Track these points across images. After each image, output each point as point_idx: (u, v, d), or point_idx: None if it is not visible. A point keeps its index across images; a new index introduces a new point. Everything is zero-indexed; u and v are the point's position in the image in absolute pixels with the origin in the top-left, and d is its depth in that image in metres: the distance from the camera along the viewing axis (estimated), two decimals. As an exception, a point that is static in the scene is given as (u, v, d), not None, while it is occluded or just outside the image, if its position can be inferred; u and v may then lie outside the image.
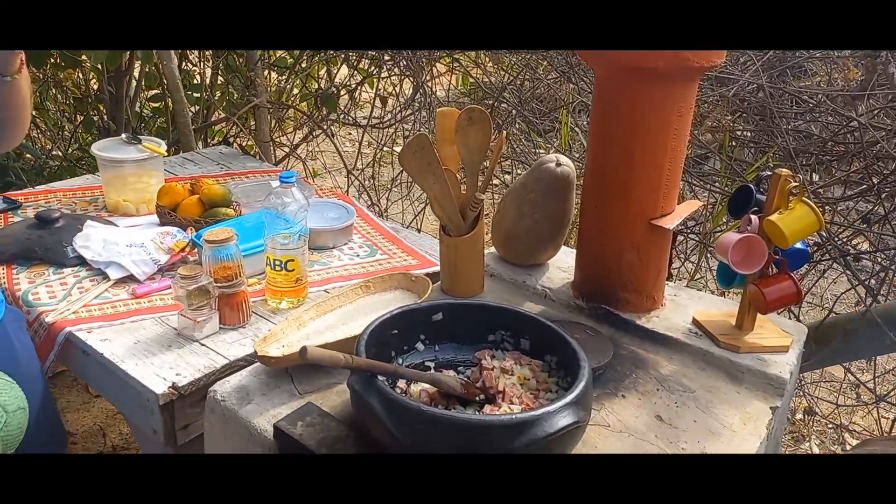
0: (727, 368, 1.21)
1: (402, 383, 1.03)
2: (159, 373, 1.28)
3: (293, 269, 1.48)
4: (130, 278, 1.58)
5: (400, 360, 1.11)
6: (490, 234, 1.53)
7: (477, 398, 1.03)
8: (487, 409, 1.00)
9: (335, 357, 0.84)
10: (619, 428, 1.06)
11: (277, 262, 1.46)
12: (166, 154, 1.94)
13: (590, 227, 1.32)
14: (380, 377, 0.92)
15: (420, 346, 1.13)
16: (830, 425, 2.34)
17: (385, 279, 1.34)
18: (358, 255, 1.78)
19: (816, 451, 2.26)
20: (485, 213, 1.40)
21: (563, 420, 0.87)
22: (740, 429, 1.08)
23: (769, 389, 1.17)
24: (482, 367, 1.09)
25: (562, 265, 1.50)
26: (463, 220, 1.35)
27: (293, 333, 1.18)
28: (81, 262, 1.62)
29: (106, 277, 1.57)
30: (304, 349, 0.81)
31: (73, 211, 1.89)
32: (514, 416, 0.84)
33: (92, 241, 1.63)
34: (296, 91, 2.87)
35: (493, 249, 1.54)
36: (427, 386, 1.01)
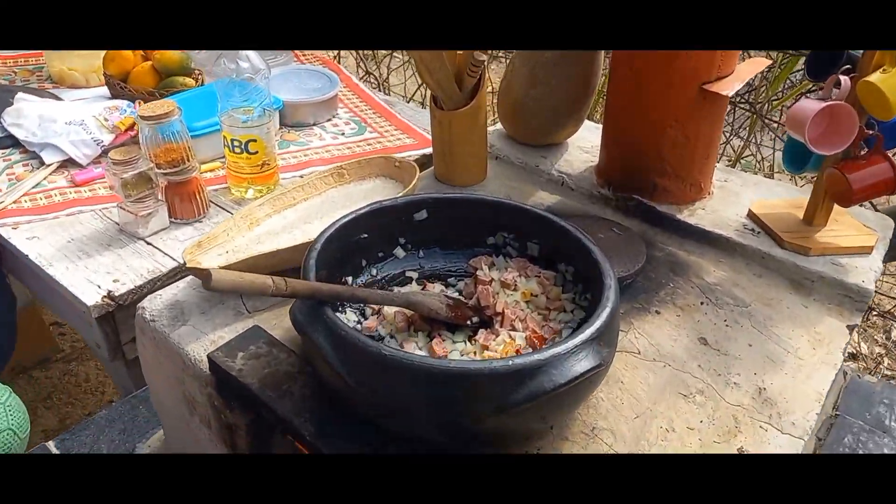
0: (792, 275, 0.95)
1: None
2: (94, 279, 1.07)
3: (256, 152, 1.22)
4: (71, 162, 1.33)
5: (374, 271, 0.87)
6: (495, 107, 1.24)
7: (468, 322, 0.80)
8: (482, 335, 0.77)
9: (259, 283, 0.60)
10: (651, 355, 0.83)
11: (237, 143, 1.20)
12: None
13: (621, 95, 1.03)
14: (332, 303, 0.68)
15: (400, 251, 0.89)
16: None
17: (363, 164, 1.08)
18: (343, 134, 1.51)
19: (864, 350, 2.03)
20: (488, 79, 1.10)
21: (580, 364, 0.63)
22: (808, 355, 0.84)
23: (846, 303, 0.92)
24: (477, 279, 0.85)
25: (584, 145, 1.22)
26: (459, 89, 1.06)
27: (240, 236, 0.94)
28: (14, 143, 1.37)
29: (42, 162, 1.33)
30: (208, 274, 0.56)
31: (12, 81, 1.61)
32: (509, 363, 0.61)
33: (25, 117, 1.37)
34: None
35: (499, 126, 1.25)
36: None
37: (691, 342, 0.85)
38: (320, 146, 1.45)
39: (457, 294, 0.86)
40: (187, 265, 0.83)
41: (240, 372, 0.77)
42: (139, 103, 1.41)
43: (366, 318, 0.82)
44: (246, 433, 0.81)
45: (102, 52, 1.57)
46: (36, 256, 1.10)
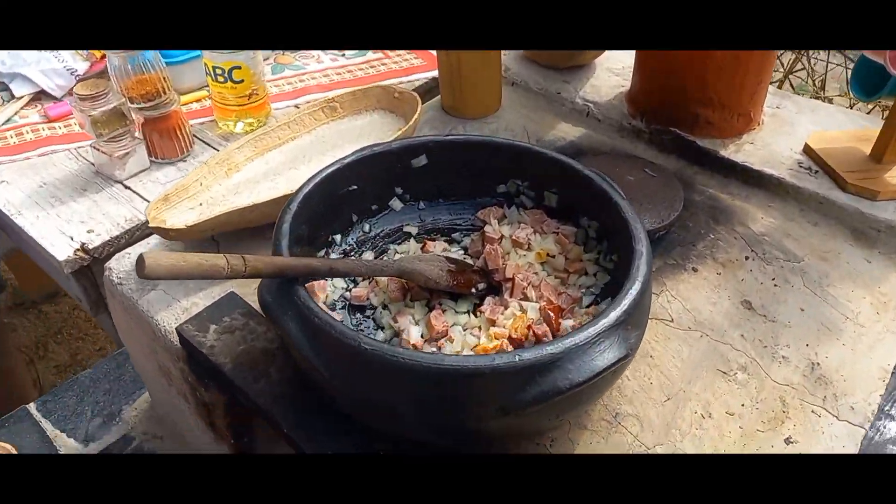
0: (855, 223, 0.82)
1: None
2: (67, 229, 0.97)
3: (242, 80, 1.08)
4: (44, 94, 1.21)
5: (367, 227, 0.75)
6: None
7: (473, 289, 0.68)
8: (488, 305, 0.67)
9: (208, 266, 0.49)
10: (686, 323, 0.72)
11: (219, 71, 1.07)
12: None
13: (660, 9, 0.86)
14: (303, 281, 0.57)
15: (396, 203, 0.77)
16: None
17: (357, 96, 0.94)
18: (343, 55, 1.35)
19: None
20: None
21: (602, 357, 0.52)
22: (871, 321, 0.72)
23: (919, 259, 0.79)
24: (485, 235, 0.74)
25: (614, 66, 1.06)
26: (467, 3, 0.90)
27: (216, 184, 0.82)
28: (-17, 75, 1.25)
29: (12, 95, 1.21)
30: (140, 260, 0.46)
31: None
32: (516, 359, 0.50)
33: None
34: None
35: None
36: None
37: (733, 306, 0.74)
38: (317, 69, 1.31)
39: (461, 253, 0.75)
40: (150, 225, 0.72)
41: (211, 349, 0.67)
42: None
43: (356, 285, 0.71)
44: (224, 414, 0.73)
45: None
46: (4, 204, 1.01)
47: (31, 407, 0.98)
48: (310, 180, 0.67)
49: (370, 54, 1.36)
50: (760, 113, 0.93)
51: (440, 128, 0.98)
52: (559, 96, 1.01)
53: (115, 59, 1.00)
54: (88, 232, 0.97)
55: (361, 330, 0.68)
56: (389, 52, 1.36)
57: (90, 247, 0.95)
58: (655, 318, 0.72)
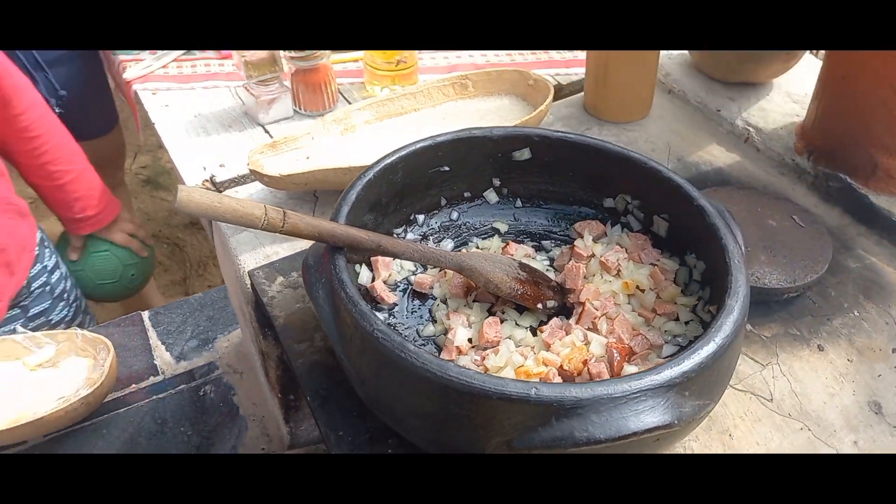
0: None
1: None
2: (203, 159, 1.03)
3: (393, 46, 1.07)
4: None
5: (454, 214, 0.71)
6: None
7: (540, 305, 0.62)
8: (550, 327, 0.60)
9: (243, 211, 0.48)
10: (788, 408, 0.59)
11: (373, 34, 1.07)
12: None
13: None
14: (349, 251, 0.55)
15: (492, 195, 0.72)
16: None
17: (492, 77, 0.90)
18: (509, 37, 1.30)
19: None
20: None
21: (637, 419, 0.44)
22: None
23: None
24: (574, 250, 0.66)
25: (795, 91, 0.91)
26: None
27: (328, 139, 0.82)
28: (185, 7, 1.37)
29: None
30: (178, 191, 0.45)
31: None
32: (530, 391, 0.43)
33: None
34: None
35: (683, 51, 0.98)
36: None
37: (857, 404, 0.60)
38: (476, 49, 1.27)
39: (546, 264, 0.68)
40: (249, 167, 0.73)
41: (271, 300, 0.67)
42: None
43: (425, 270, 0.67)
44: (276, 366, 0.73)
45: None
46: (160, 125, 1.09)
47: (145, 315, 1.07)
48: (395, 152, 0.64)
49: (537, 41, 1.30)
50: (967, 176, 0.75)
51: (574, 126, 0.91)
52: (718, 114, 0.89)
53: (279, 7, 1.03)
54: (220, 165, 1.02)
55: (420, 317, 0.64)
56: (557, 42, 1.29)
57: (217, 179, 1.00)
58: (752, 392, 0.61)
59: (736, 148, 0.86)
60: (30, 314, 1.11)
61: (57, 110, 1.35)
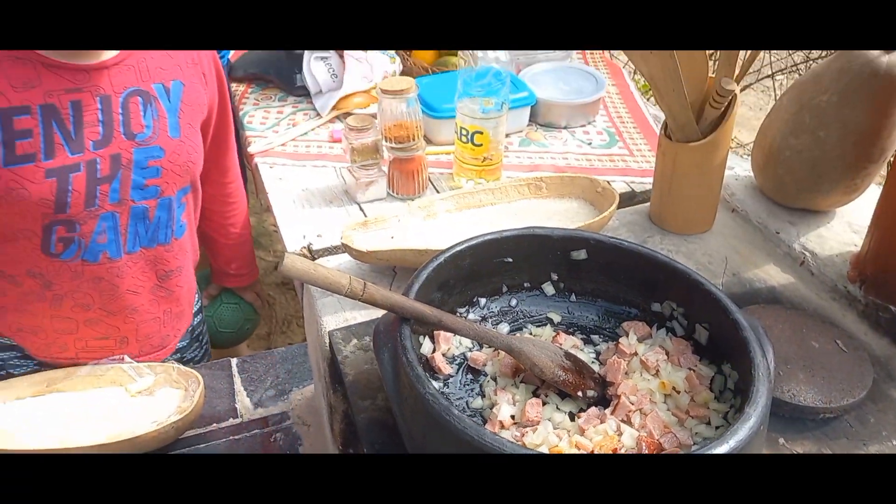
0: None
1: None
2: (304, 229, 1.17)
3: (481, 144, 1.20)
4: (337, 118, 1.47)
5: (513, 301, 0.79)
6: (752, 150, 1.03)
7: (580, 393, 0.68)
8: (587, 415, 0.66)
9: (332, 279, 0.58)
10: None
11: (464, 132, 1.20)
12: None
13: (906, 172, 0.77)
14: (414, 323, 0.64)
15: (549, 288, 0.80)
16: None
17: (565, 182, 0.99)
18: (590, 143, 1.41)
19: None
20: (737, 113, 0.92)
21: None
22: None
23: None
24: (619, 346, 0.73)
25: (857, 221, 0.95)
26: (697, 120, 0.90)
27: (413, 222, 0.93)
28: (306, 93, 1.56)
29: (317, 114, 1.49)
30: (283, 257, 0.56)
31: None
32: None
33: (318, 70, 1.54)
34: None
35: (749, 171, 1.04)
36: (512, 351, 0.69)
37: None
38: (560, 152, 1.38)
39: (592, 356, 0.74)
40: (341, 241, 0.85)
41: (344, 359, 0.77)
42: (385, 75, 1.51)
43: (481, 348, 0.75)
44: (341, 419, 0.82)
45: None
46: (273, 194, 1.25)
47: (233, 361, 1.19)
48: (466, 241, 0.73)
49: (616, 148, 1.39)
50: None
51: (638, 233, 0.98)
52: (777, 236, 0.94)
53: (383, 101, 1.18)
54: (318, 236, 1.15)
55: (470, 390, 0.71)
56: (635, 150, 1.38)
57: (313, 247, 1.13)
58: None
59: (791, 269, 0.90)
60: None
61: None
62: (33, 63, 0.84)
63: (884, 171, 0.94)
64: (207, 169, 1.16)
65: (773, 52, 2.24)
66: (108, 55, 0.90)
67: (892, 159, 0.85)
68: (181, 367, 1.10)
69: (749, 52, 0.90)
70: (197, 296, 1.28)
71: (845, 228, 0.94)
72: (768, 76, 1.95)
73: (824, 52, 1.79)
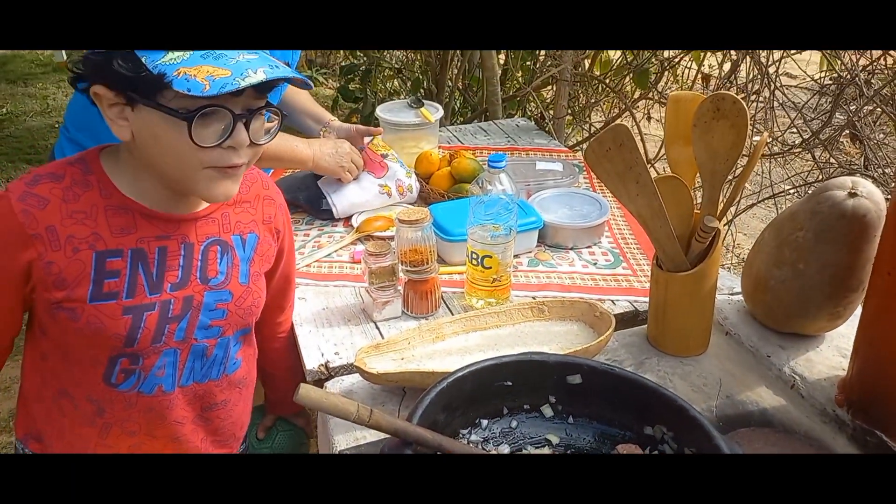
0: None
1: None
2: (323, 346, 1.24)
3: (490, 267, 1.28)
4: (360, 240, 1.58)
5: (514, 423, 0.84)
6: (741, 278, 1.10)
7: (572, 514, 0.72)
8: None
9: (342, 407, 0.64)
10: None
11: (474, 256, 1.29)
12: (432, 121, 1.89)
13: (876, 305, 0.82)
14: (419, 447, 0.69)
15: (547, 410, 0.85)
16: None
17: (565, 305, 1.06)
18: (595, 264, 1.49)
19: None
20: (723, 243, 0.99)
21: None
22: None
23: None
24: (612, 468, 0.77)
25: (843, 346, 1.00)
26: (684, 251, 0.97)
27: (422, 345, 1.00)
28: (331, 216, 1.68)
29: (345, 236, 1.60)
30: (298, 387, 0.63)
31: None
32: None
33: (344, 194, 1.67)
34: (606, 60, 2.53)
35: (740, 297, 1.10)
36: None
37: None
38: (566, 272, 1.45)
39: (588, 477, 0.78)
40: (355, 363, 0.92)
41: (353, 477, 0.81)
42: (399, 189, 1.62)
43: (482, 469, 0.79)
44: (348, 536, 0.85)
45: (423, 152, 1.82)
46: (296, 315, 1.33)
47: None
48: (469, 366, 0.80)
49: (620, 268, 1.47)
50: None
51: (635, 354, 1.03)
52: (768, 359, 0.99)
53: (401, 229, 1.28)
54: (335, 353, 1.22)
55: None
56: (638, 271, 1.45)
57: (331, 365, 1.20)
58: None
59: (782, 392, 0.94)
60: None
61: None
62: (132, 212, 0.92)
63: (865, 299, 0.99)
64: (266, 309, 1.19)
65: (775, 171, 2.35)
66: (200, 207, 0.98)
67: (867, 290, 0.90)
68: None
69: (730, 192, 0.99)
70: (246, 431, 1.29)
71: (834, 353, 0.99)
72: (770, 197, 2.05)
73: (821, 177, 1.89)
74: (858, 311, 1.01)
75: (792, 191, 2.02)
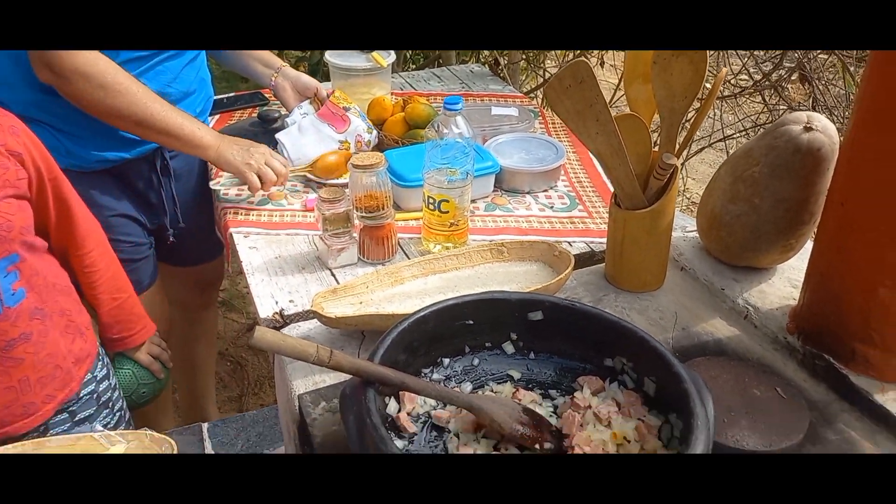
0: None
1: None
2: (277, 295, 1.21)
3: (447, 211, 1.26)
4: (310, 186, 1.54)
5: (475, 361, 0.84)
6: (697, 215, 1.11)
7: (537, 446, 0.72)
8: (544, 466, 0.69)
9: (300, 349, 0.62)
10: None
11: (431, 201, 1.26)
12: (384, 65, 1.83)
13: (829, 236, 0.84)
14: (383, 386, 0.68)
15: (509, 347, 0.84)
16: None
17: (525, 246, 1.05)
18: (552, 207, 1.48)
19: None
20: (679, 180, 0.99)
21: (592, 545, 0.53)
22: None
23: None
24: (573, 400, 0.77)
25: (794, 277, 1.02)
26: (642, 189, 0.97)
27: (380, 289, 0.98)
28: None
29: (297, 184, 1.55)
30: (254, 329, 0.60)
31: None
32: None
33: (301, 147, 1.61)
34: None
35: (695, 233, 1.12)
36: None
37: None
38: (523, 215, 1.45)
39: (550, 411, 0.79)
40: (311, 308, 0.89)
41: (313, 421, 0.80)
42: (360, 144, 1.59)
43: (444, 407, 0.79)
44: (310, 479, 0.84)
45: (375, 98, 1.77)
46: (247, 264, 1.29)
47: (204, 426, 1.20)
48: (429, 306, 0.78)
49: (577, 210, 1.47)
50: (942, 367, 0.82)
51: (593, 292, 1.04)
52: (722, 292, 1.01)
53: (355, 175, 1.25)
54: (290, 301, 1.19)
55: (434, 446, 0.75)
56: (594, 213, 1.46)
57: (285, 312, 1.17)
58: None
59: (736, 323, 0.96)
60: (76, 419, 1.25)
61: (171, 240, 1.60)
62: None
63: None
64: (63, 245, 1.21)
65: (725, 116, 2.38)
66: None
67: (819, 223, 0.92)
68: (154, 433, 1.11)
69: (688, 128, 0.98)
70: (98, 362, 1.28)
71: (785, 284, 1.01)
72: (720, 140, 2.08)
73: (771, 119, 1.92)
74: (808, 244, 1.03)
75: (741, 135, 2.05)
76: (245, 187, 1.55)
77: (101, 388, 1.28)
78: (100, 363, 1.29)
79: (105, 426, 1.29)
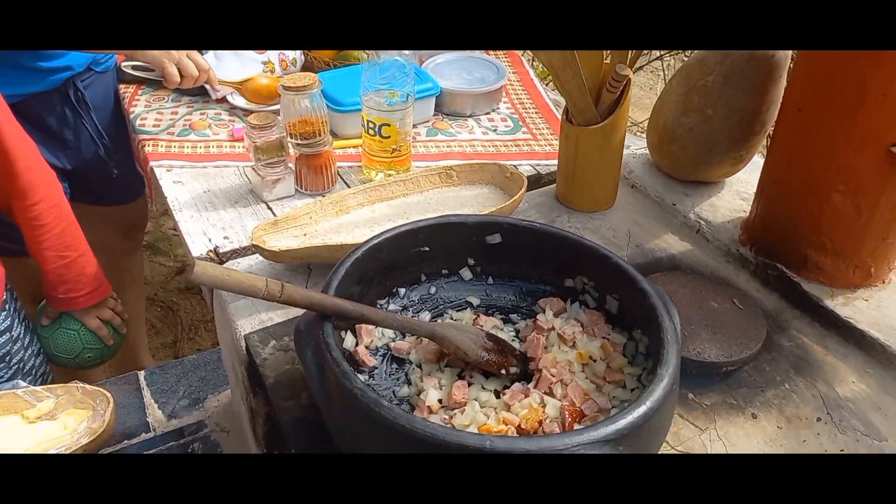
0: (966, 419, 0.71)
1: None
2: (209, 231, 1.12)
3: (388, 136, 1.19)
4: (236, 115, 1.43)
5: (433, 289, 0.80)
6: (647, 130, 1.08)
7: (503, 371, 0.70)
8: (511, 391, 0.67)
9: (247, 284, 0.57)
10: (723, 469, 0.67)
11: (371, 125, 1.19)
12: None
13: (783, 142, 0.83)
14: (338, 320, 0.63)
15: (466, 273, 0.81)
16: None
17: (474, 169, 1.01)
18: (496, 130, 1.43)
19: None
20: (631, 94, 0.96)
21: (573, 467, 0.51)
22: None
23: None
24: (536, 323, 0.75)
25: (744, 189, 1.02)
26: (595, 104, 0.93)
27: (325, 219, 0.92)
28: (202, 92, 1.50)
29: (221, 112, 1.43)
30: (193, 265, 0.54)
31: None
32: (486, 443, 0.51)
33: (223, 72, 1.48)
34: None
35: (645, 150, 1.10)
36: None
37: (785, 467, 0.67)
38: (467, 140, 1.39)
39: (512, 335, 0.76)
40: (252, 242, 0.83)
41: (263, 361, 0.75)
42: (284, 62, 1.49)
43: (404, 338, 0.75)
44: (263, 423, 0.80)
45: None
46: (173, 200, 1.19)
47: (140, 374, 1.13)
48: (382, 233, 0.73)
49: (521, 133, 1.42)
50: (888, 271, 0.84)
51: (546, 213, 1.01)
52: (673, 207, 1.00)
53: (286, 98, 1.15)
54: (224, 238, 1.11)
55: (396, 379, 0.71)
56: (538, 135, 1.42)
57: (220, 250, 1.09)
58: (690, 452, 0.68)
59: (688, 238, 0.96)
60: None
61: (115, 172, 1.53)
62: None
63: (766, 143, 1.01)
64: (5, 196, 1.13)
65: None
66: None
67: (771, 133, 0.91)
68: (86, 386, 1.03)
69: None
70: (12, 321, 1.18)
71: (734, 197, 1.01)
72: (657, 58, 2.06)
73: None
74: (756, 158, 1.03)
75: (683, 53, 2.04)
76: (164, 114, 1.43)
77: (13, 349, 1.17)
78: (16, 323, 1.18)
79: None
